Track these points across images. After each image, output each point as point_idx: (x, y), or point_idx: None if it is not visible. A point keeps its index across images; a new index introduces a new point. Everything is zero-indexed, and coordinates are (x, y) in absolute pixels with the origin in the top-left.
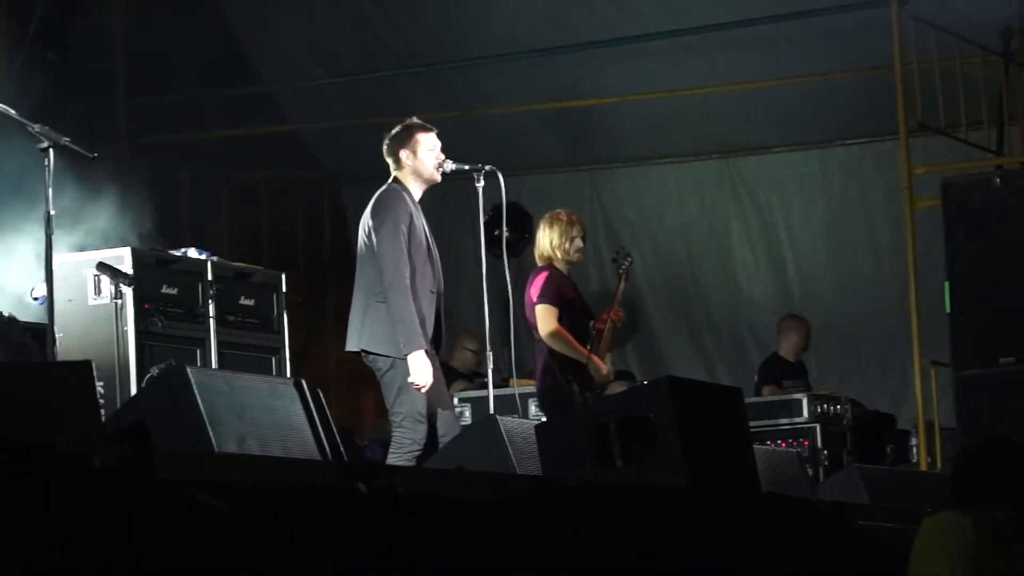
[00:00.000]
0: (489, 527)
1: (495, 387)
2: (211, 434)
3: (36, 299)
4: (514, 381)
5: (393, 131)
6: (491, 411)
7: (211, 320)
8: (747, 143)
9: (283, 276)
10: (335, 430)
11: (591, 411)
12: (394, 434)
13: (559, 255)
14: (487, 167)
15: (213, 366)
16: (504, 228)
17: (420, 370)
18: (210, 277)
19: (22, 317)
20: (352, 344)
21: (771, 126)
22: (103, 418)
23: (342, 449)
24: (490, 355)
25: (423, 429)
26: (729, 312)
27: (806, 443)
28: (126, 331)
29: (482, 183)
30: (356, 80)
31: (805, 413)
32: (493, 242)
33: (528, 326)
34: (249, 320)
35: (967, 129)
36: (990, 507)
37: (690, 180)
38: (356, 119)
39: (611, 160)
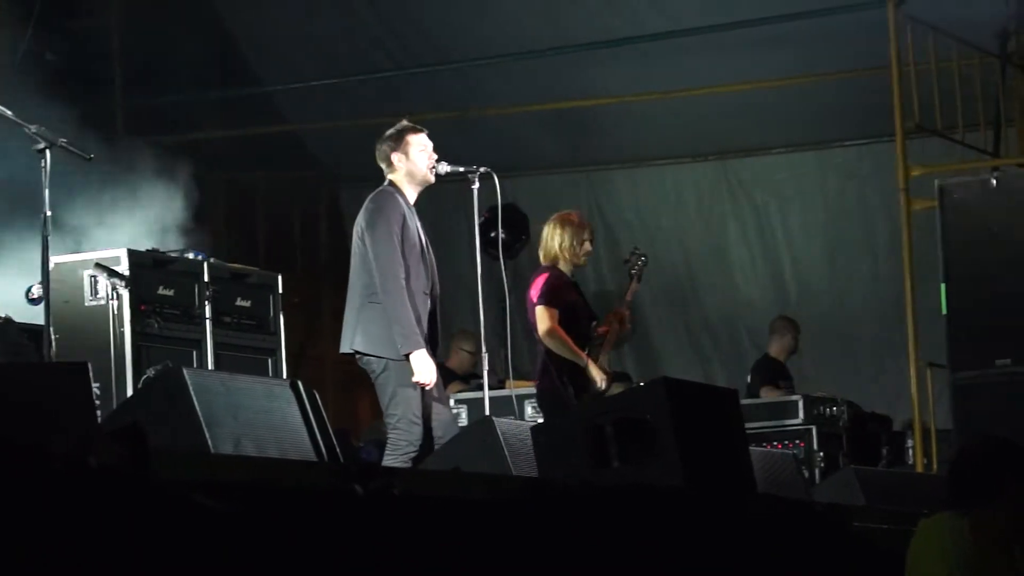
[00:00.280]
0: (485, 528)
1: (491, 388)
2: (207, 435)
3: (32, 300)
4: (510, 383)
5: (384, 135)
6: (487, 413)
7: (207, 321)
8: (744, 144)
9: (279, 277)
10: (331, 431)
11: (587, 412)
12: (390, 436)
13: (567, 257)
14: (482, 169)
15: (209, 367)
16: (500, 229)
17: (423, 368)
18: (206, 278)
19: (19, 318)
20: (346, 346)
21: (768, 127)
22: (99, 419)
23: (338, 450)
24: (486, 357)
25: (418, 430)
26: (726, 313)
27: (802, 445)
28: (122, 332)
29: (477, 184)
30: (353, 81)
31: (801, 415)
32: (490, 244)
33: (528, 327)
34: (245, 321)
35: (964, 131)
36: (988, 508)
37: (687, 181)
38: (353, 120)
39: (608, 161)
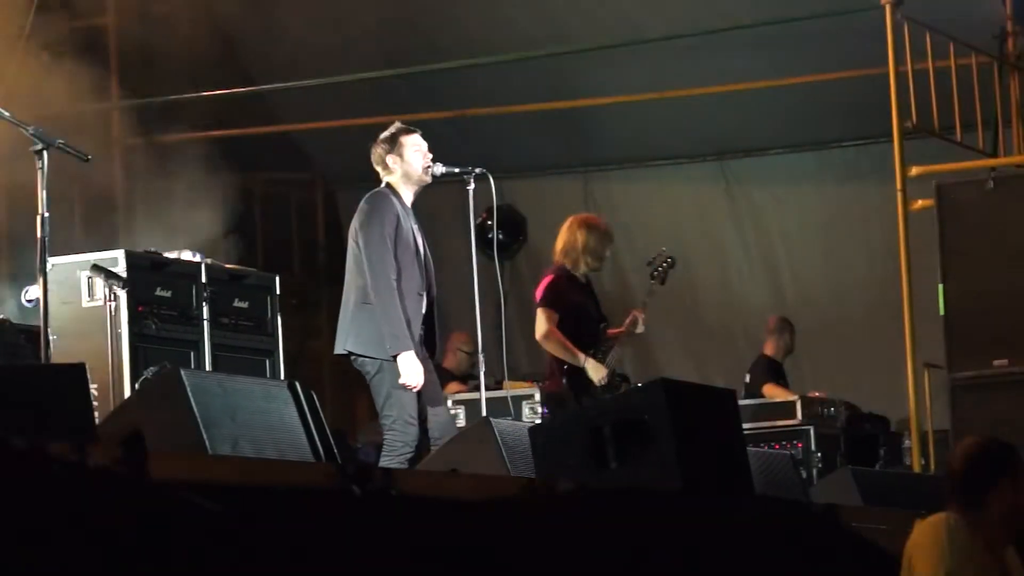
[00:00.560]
0: (483, 529)
1: (488, 389)
2: (205, 436)
3: (29, 302)
4: (507, 384)
5: (378, 139)
6: (484, 414)
7: (205, 322)
8: (741, 145)
9: (277, 278)
10: (329, 432)
11: (585, 413)
12: (386, 437)
13: (589, 260)
14: (477, 170)
15: (207, 368)
16: (495, 230)
17: (410, 370)
18: (204, 279)
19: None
20: (340, 347)
21: (765, 128)
22: (97, 420)
23: (336, 451)
24: (482, 357)
25: (414, 431)
26: (723, 314)
27: (799, 445)
28: (120, 333)
29: (472, 186)
30: (349, 82)
31: (799, 415)
32: (488, 245)
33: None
34: (243, 322)
35: (961, 131)
36: (983, 508)
37: (684, 182)
38: (350, 121)
39: (605, 162)
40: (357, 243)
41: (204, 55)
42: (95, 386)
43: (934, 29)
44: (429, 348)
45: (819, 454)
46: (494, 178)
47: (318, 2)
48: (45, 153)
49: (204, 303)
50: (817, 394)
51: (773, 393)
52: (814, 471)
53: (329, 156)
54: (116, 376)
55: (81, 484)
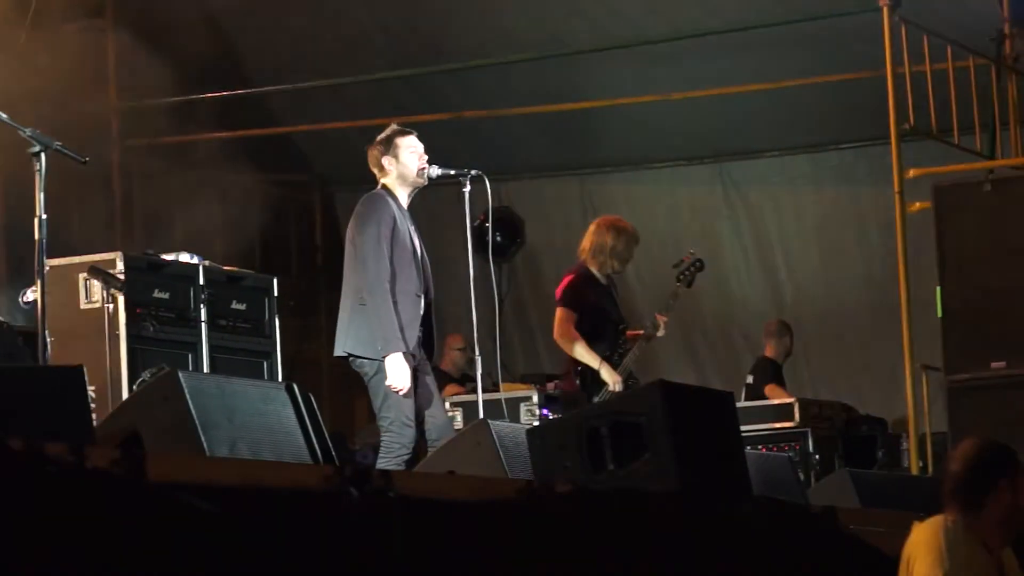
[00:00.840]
0: (480, 531)
1: (485, 391)
2: (202, 438)
3: (27, 303)
4: (502, 386)
5: (374, 141)
6: (481, 415)
7: (203, 324)
8: (739, 147)
9: (275, 280)
10: (327, 434)
11: (583, 415)
12: (383, 439)
13: (615, 263)
14: (473, 172)
15: (205, 370)
16: (491, 232)
17: (397, 373)
18: (202, 281)
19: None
20: (339, 349)
21: (763, 130)
22: (95, 422)
23: (334, 453)
24: (479, 359)
25: (411, 433)
26: (720, 316)
27: (797, 447)
28: (118, 335)
29: (468, 187)
30: (348, 84)
31: (796, 417)
32: (485, 247)
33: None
34: (241, 324)
35: (959, 133)
36: (981, 510)
37: (682, 184)
38: (348, 123)
39: (603, 164)
40: (353, 244)
41: (203, 56)
42: (93, 388)
43: (931, 31)
44: (427, 350)
45: (817, 456)
46: (492, 180)
47: (317, 4)
48: (43, 155)
49: (202, 305)
50: (815, 396)
51: (775, 394)
52: (812, 473)
53: (327, 158)
54: (114, 378)
55: (79, 486)
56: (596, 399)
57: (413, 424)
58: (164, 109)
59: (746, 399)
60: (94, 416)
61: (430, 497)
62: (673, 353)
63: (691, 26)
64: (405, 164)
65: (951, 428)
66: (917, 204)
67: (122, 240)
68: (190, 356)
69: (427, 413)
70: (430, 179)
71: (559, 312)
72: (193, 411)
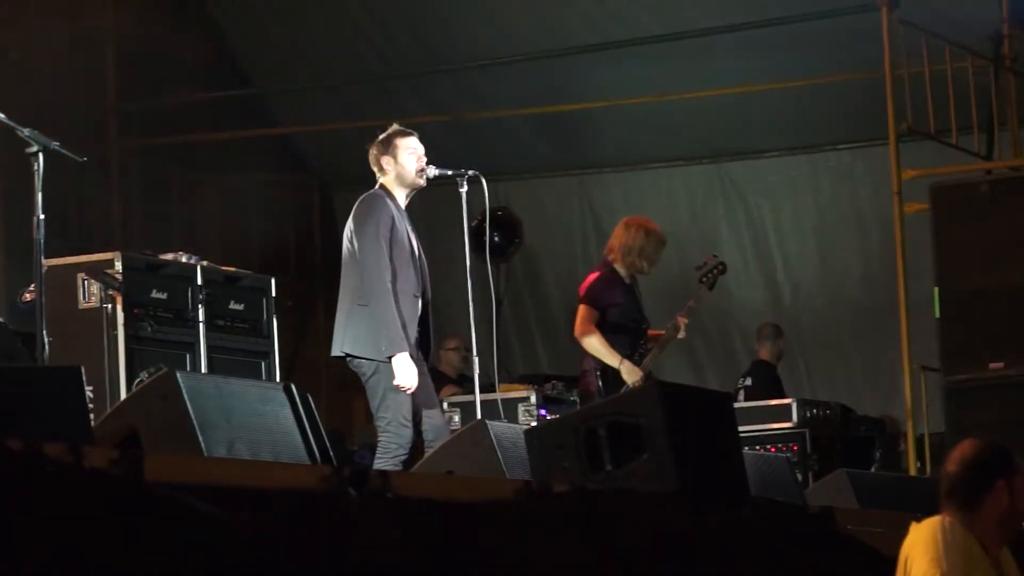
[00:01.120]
0: (479, 532)
1: (483, 391)
2: (200, 438)
3: (25, 304)
4: (500, 387)
5: (376, 140)
6: (479, 416)
7: (201, 324)
8: (737, 148)
9: (273, 280)
10: (325, 434)
11: (581, 415)
12: (380, 439)
13: (644, 265)
14: (470, 172)
15: (203, 370)
16: (489, 232)
17: (404, 372)
18: (200, 281)
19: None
20: (337, 349)
21: (762, 131)
22: (93, 422)
23: (332, 453)
24: (477, 360)
25: (408, 433)
26: (719, 317)
27: (795, 448)
28: (115, 336)
29: (465, 187)
30: (346, 84)
31: (795, 418)
32: (482, 247)
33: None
34: (239, 324)
35: (957, 134)
36: (978, 511)
37: (680, 185)
38: (346, 123)
39: (601, 165)
40: (352, 245)
41: (201, 57)
42: (91, 388)
43: (930, 32)
44: (423, 350)
45: (815, 456)
46: (490, 180)
47: (316, 4)
48: (41, 155)
49: (200, 305)
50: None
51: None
52: (810, 473)
53: (326, 158)
54: (112, 378)
55: (77, 486)
56: None
57: (411, 424)
58: (162, 109)
59: (745, 400)
60: (92, 416)
61: (428, 497)
62: (671, 353)
63: (690, 26)
64: (403, 165)
65: (949, 429)
66: (915, 205)
67: (120, 240)
68: (188, 356)
69: (424, 413)
70: (428, 179)
71: (582, 309)
72: (191, 411)
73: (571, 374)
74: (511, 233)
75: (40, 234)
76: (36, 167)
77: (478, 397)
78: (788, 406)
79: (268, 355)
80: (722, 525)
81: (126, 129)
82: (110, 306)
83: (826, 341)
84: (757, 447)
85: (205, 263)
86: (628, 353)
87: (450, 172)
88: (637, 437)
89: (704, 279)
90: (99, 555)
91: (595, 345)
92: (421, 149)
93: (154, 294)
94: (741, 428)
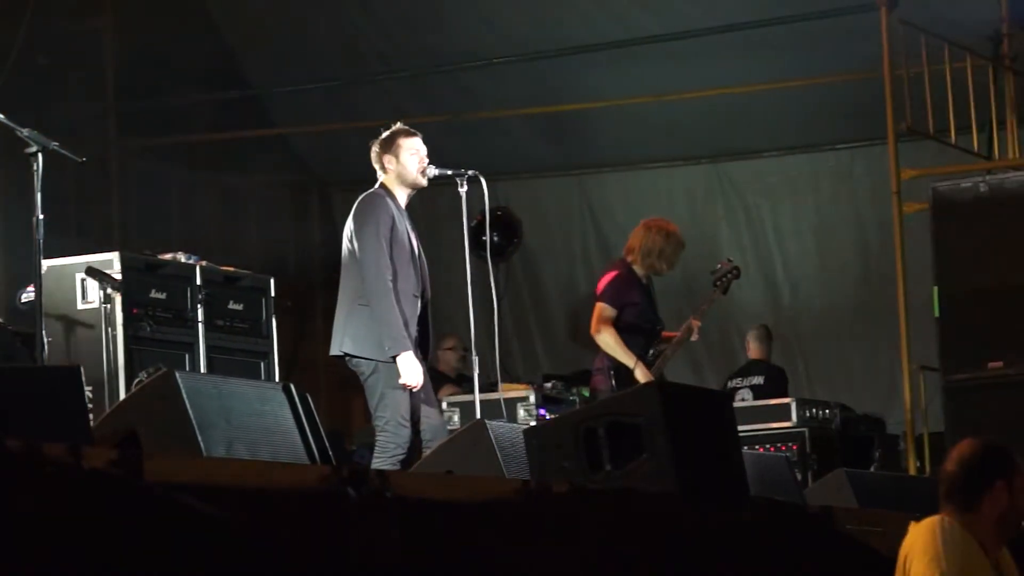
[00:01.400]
0: (477, 532)
1: (482, 391)
2: (200, 438)
3: (24, 304)
4: (501, 386)
5: (379, 138)
6: (478, 416)
7: (200, 324)
8: (737, 148)
9: (272, 280)
10: (324, 434)
11: (580, 415)
12: (378, 438)
13: (663, 266)
14: (470, 172)
15: (202, 370)
16: (489, 232)
17: (410, 370)
18: (199, 281)
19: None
20: (336, 348)
21: (761, 131)
22: (92, 423)
23: (331, 453)
24: (476, 360)
25: (407, 433)
26: (717, 316)
27: (795, 447)
28: (115, 335)
29: (465, 187)
30: (345, 84)
31: (794, 417)
32: (483, 247)
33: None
34: (238, 324)
35: (956, 134)
36: (978, 510)
37: (680, 185)
38: (345, 123)
39: (600, 165)
40: (352, 244)
41: (200, 57)
42: (90, 388)
43: (929, 31)
44: (423, 350)
45: (814, 456)
46: (490, 180)
47: (315, 5)
48: (40, 155)
49: (199, 305)
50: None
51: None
52: (809, 473)
53: (325, 159)
54: (111, 378)
55: (76, 486)
56: None
57: (409, 424)
58: (162, 109)
59: (756, 399)
60: (91, 417)
61: (427, 497)
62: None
63: (689, 26)
64: (404, 165)
65: (948, 428)
66: (915, 205)
67: (119, 240)
68: (187, 356)
69: (423, 413)
70: (428, 179)
71: (599, 307)
72: (190, 411)
73: (570, 373)
74: (510, 233)
75: (39, 234)
76: (35, 167)
77: (477, 397)
78: (787, 406)
79: (267, 355)
80: (721, 525)
81: (126, 129)
82: (109, 306)
83: (825, 341)
84: (756, 446)
85: (204, 263)
86: (641, 353)
87: (450, 172)
88: (636, 437)
89: (718, 283)
90: (99, 555)
91: (611, 343)
92: (424, 150)
93: (153, 294)
94: (740, 428)
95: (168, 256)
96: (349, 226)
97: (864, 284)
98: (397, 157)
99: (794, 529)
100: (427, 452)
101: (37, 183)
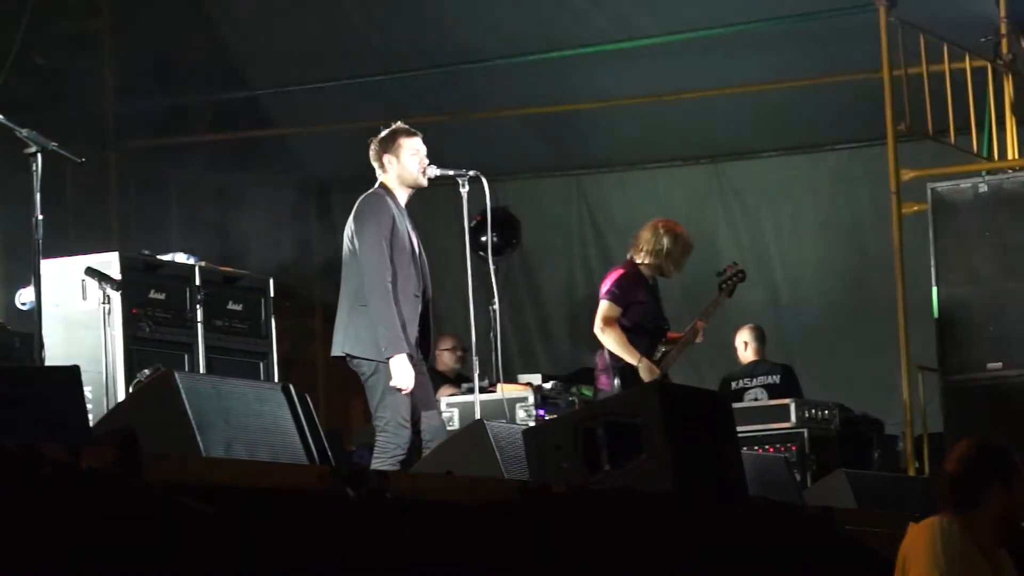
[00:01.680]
0: (477, 532)
1: (482, 391)
2: (198, 438)
3: (23, 304)
4: (501, 386)
5: (378, 136)
6: (478, 416)
7: (199, 325)
8: (736, 148)
9: (271, 281)
10: (323, 434)
11: (579, 416)
12: (378, 438)
13: (670, 268)
14: (471, 172)
15: (201, 371)
16: (489, 233)
17: (402, 373)
18: (198, 282)
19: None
20: (337, 349)
21: (759, 131)
22: (91, 423)
23: (330, 453)
24: (476, 360)
25: (406, 433)
26: (717, 316)
27: (794, 448)
28: (114, 336)
29: (466, 188)
30: (343, 85)
31: (793, 418)
32: (482, 247)
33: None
34: (237, 325)
35: (955, 134)
36: (976, 511)
37: (679, 185)
38: (343, 124)
39: (599, 165)
40: (352, 244)
41: (200, 58)
42: (89, 388)
43: (928, 32)
44: (423, 350)
45: (813, 457)
46: (489, 180)
47: (313, 6)
48: (39, 156)
49: (198, 305)
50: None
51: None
52: (808, 474)
53: (323, 159)
54: (110, 379)
55: (75, 486)
56: None
57: (409, 425)
58: (161, 109)
59: (771, 398)
60: (90, 417)
61: (426, 498)
62: None
63: (687, 26)
64: (404, 165)
65: (947, 429)
66: (914, 205)
67: (118, 240)
68: (186, 356)
69: (422, 414)
70: (428, 179)
71: (604, 305)
72: (189, 412)
73: (569, 374)
74: (509, 233)
75: (39, 234)
76: (35, 167)
77: (477, 397)
78: (786, 406)
79: (266, 355)
80: (720, 525)
81: (125, 129)
82: (108, 306)
83: (824, 341)
84: (755, 447)
85: (203, 263)
86: (646, 354)
87: (451, 172)
88: (635, 437)
89: (724, 285)
90: (98, 555)
91: (614, 341)
92: (424, 150)
93: (152, 294)
94: (739, 428)
95: (167, 256)
96: (349, 226)
97: (863, 284)
98: (397, 157)
99: (793, 530)
100: (427, 453)
101: (36, 183)
